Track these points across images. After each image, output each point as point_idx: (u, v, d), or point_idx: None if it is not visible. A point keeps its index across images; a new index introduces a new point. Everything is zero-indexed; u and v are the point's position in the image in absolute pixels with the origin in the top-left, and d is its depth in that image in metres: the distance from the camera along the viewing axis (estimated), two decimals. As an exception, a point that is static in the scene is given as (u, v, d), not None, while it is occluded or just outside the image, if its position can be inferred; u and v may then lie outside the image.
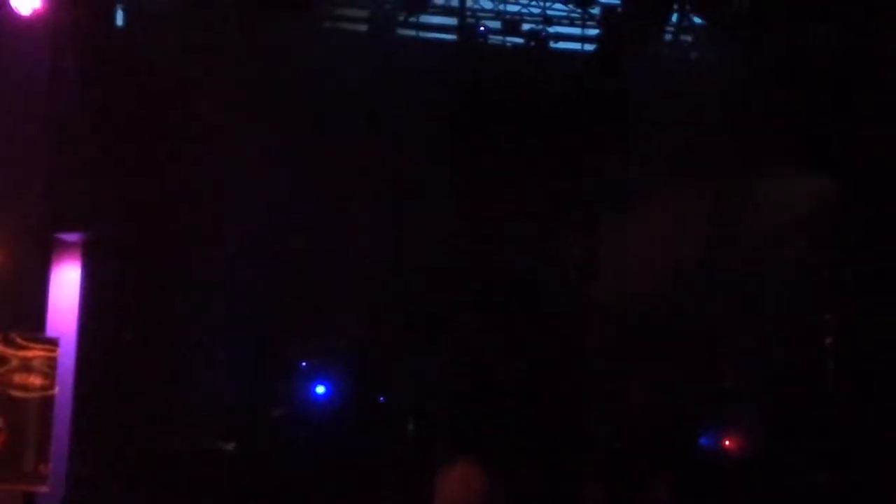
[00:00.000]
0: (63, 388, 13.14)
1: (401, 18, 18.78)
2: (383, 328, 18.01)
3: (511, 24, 19.20)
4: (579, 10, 19.39)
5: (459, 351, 18.00)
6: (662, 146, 17.99)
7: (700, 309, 18.23)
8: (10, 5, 12.64)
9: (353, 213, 18.04)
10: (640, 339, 17.81)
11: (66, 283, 13.93)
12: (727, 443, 18.92)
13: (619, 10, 18.88)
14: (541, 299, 18.29)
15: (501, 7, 19.28)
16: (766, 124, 17.47)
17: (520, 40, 19.26)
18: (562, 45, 19.71)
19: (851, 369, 17.80)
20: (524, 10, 19.36)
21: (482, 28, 19.18)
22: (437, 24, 19.32)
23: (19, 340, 12.64)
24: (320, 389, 18.13)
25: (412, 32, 19.03)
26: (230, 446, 17.51)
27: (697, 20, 19.00)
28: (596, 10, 19.31)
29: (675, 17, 18.49)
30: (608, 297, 17.88)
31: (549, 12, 19.42)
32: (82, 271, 14.07)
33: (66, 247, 13.97)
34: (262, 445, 17.57)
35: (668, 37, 19.16)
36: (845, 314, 18.08)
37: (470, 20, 19.22)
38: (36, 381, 12.63)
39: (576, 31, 19.76)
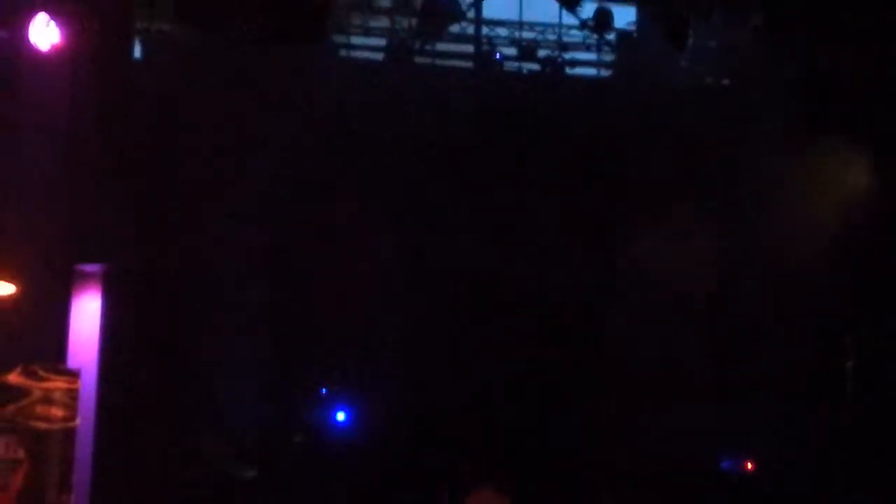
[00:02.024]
0: (84, 420, 13.18)
1: (417, 47, 18.85)
2: (404, 355, 18.00)
3: (527, 51, 19.25)
4: (595, 36, 19.44)
5: (480, 376, 17.99)
6: (675, 170, 17.99)
7: (718, 332, 18.19)
8: (29, 41, 12.75)
9: (371, 237, 18.04)
10: (658, 364, 17.76)
11: (87, 314, 13.96)
12: (748, 466, 18.86)
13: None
14: (558, 324, 18.27)
15: (517, 34, 19.35)
16: (780, 144, 17.47)
17: (536, 66, 19.31)
18: (578, 70, 19.77)
19: (872, 392, 17.74)
20: (540, 37, 19.41)
21: (498, 55, 19.24)
22: (454, 52, 19.38)
23: (41, 372, 12.67)
24: (341, 416, 18.16)
25: (428, 60, 19.09)
26: (251, 474, 17.52)
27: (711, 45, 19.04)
28: (612, 36, 19.41)
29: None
30: (625, 321, 17.86)
31: (564, 38, 19.48)
32: (103, 302, 14.12)
33: (86, 278, 14.00)
34: (283, 472, 17.58)
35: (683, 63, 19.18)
36: (865, 337, 18.02)
37: (486, 47, 19.29)
38: (58, 412, 12.66)
39: (591, 56, 19.82)
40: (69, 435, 12.80)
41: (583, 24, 19.21)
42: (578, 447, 18.05)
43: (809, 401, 17.77)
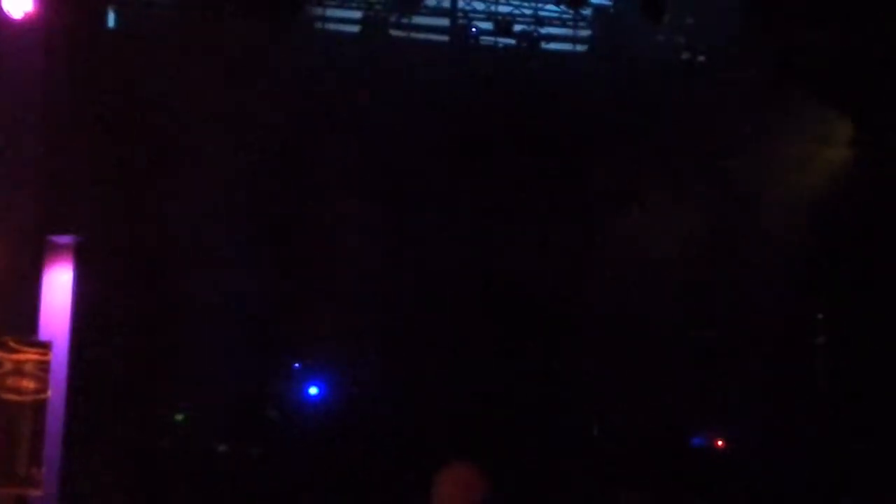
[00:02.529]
0: (56, 392, 13.12)
1: (393, 20, 18.75)
2: (381, 333, 17.97)
3: (503, 26, 19.18)
4: (571, 12, 19.38)
5: (458, 355, 17.99)
6: (651, 146, 17.99)
7: (694, 313, 18.24)
8: (1, 10, 12.63)
9: (347, 213, 17.97)
10: (634, 342, 17.79)
11: (59, 286, 13.90)
12: (719, 443, 18.94)
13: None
14: (537, 304, 18.27)
15: (493, 8, 19.27)
16: (757, 120, 17.48)
17: (512, 41, 19.25)
18: (553, 45, 19.71)
19: (844, 368, 17.82)
20: (516, 12, 19.34)
21: (474, 29, 19.17)
22: (429, 25, 19.29)
23: (12, 344, 12.63)
24: (313, 391, 18.13)
25: (404, 34, 18.99)
26: (223, 447, 17.49)
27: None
28: (587, 12, 19.35)
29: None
30: (603, 300, 17.87)
31: (540, 13, 19.41)
32: (75, 274, 14.05)
33: (58, 249, 13.94)
34: (256, 445, 17.56)
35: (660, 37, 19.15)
36: (837, 313, 18.11)
37: (462, 21, 19.20)
38: (29, 384, 12.62)
39: (567, 31, 19.77)
40: (40, 407, 12.77)
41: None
42: (555, 424, 18.06)
43: (781, 377, 17.82)
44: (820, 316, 18.53)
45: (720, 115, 17.93)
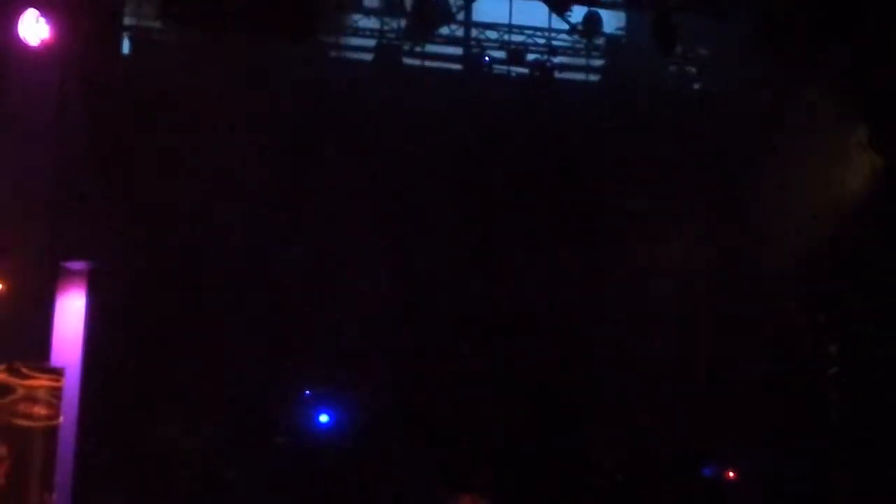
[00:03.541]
0: (68, 418, 13.14)
1: (406, 48, 18.81)
2: (388, 357, 17.96)
3: (516, 55, 19.23)
4: (584, 41, 19.43)
5: (464, 380, 17.98)
6: (663, 176, 18.00)
7: (703, 338, 18.19)
8: (18, 35, 12.70)
9: (356, 240, 17.98)
10: (644, 370, 17.76)
11: (72, 312, 13.94)
12: (730, 474, 18.87)
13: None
14: (545, 329, 18.26)
15: (506, 37, 19.33)
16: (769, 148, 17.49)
17: (524, 70, 19.29)
18: (566, 75, 19.75)
19: (856, 400, 17.76)
20: (529, 41, 19.40)
21: (487, 58, 19.21)
22: (442, 54, 19.34)
23: (24, 370, 12.63)
24: (324, 418, 18.11)
25: (417, 62, 19.05)
26: (232, 474, 17.45)
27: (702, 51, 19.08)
28: (601, 41, 19.40)
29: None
30: (611, 325, 17.86)
31: (553, 43, 19.47)
32: (87, 300, 14.08)
33: (71, 276, 13.98)
34: (264, 473, 17.52)
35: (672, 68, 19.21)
36: (847, 339, 18.04)
37: (475, 50, 19.26)
38: (41, 410, 12.63)
39: (580, 61, 19.82)
40: (52, 433, 12.78)
41: (572, 29, 19.22)
42: (563, 453, 18.02)
43: (794, 408, 17.76)
44: (833, 349, 18.45)
45: (732, 145, 17.96)
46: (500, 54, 19.31)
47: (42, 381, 12.70)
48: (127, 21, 16.80)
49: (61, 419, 12.84)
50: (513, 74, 19.32)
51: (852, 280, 17.45)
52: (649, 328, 17.46)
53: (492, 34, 19.31)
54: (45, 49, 12.88)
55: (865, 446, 16.93)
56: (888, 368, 16.99)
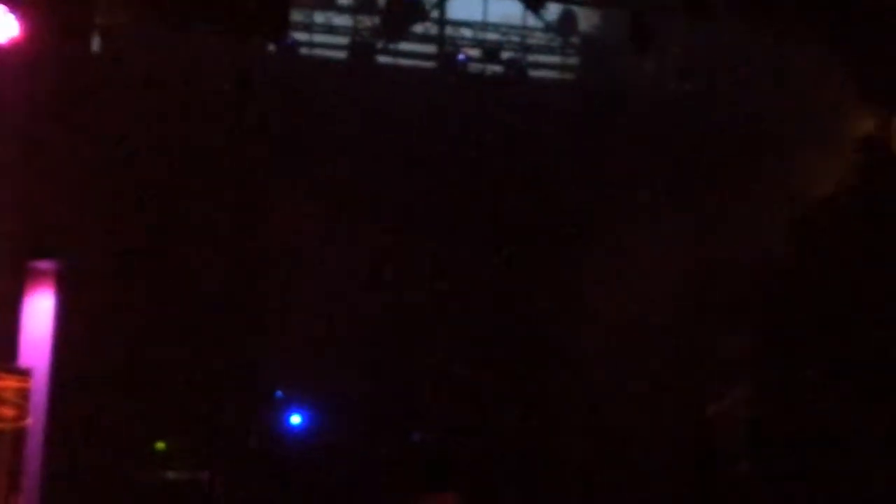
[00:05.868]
0: (35, 419, 13.03)
1: (380, 46, 18.73)
2: (360, 357, 17.90)
3: (490, 52, 19.17)
4: (559, 39, 19.40)
5: (437, 380, 17.94)
6: (638, 174, 17.98)
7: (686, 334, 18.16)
8: (-14, 34, 12.57)
9: (328, 236, 17.90)
10: (617, 369, 17.74)
11: (40, 312, 13.82)
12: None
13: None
14: (518, 326, 18.22)
15: (481, 35, 19.28)
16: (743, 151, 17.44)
17: (499, 68, 19.24)
18: (541, 72, 19.72)
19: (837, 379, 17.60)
20: (503, 39, 19.34)
21: (461, 56, 19.15)
22: (417, 52, 19.28)
23: (-9, 371, 12.53)
24: (296, 419, 18.03)
25: (391, 60, 18.98)
26: (204, 475, 17.37)
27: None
28: (575, 39, 19.37)
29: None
30: (584, 322, 17.81)
31: (528, 40, 19.42)
32: (56, 300, 13.97)
33: (40, 275, 13.87)
34: (236, 474, 17.45)
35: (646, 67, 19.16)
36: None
37: (449, 48, 19.19)
38: (8, 412, 12.51)
39: (555, 59, 19.78)
40: (20, 434, 12.67)
41: (547, 27, 19.18)
42: (536, 451, 17.99)
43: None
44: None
45: (708, 144, 17.94)
46: (475, 52, 19.25)
47: (9, 382, 12.59)
48: (97, 19, 16.64)
49: (29, 420, 12.73)
50: (487, 72, 19.24)
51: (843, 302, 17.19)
52: (622, 323, 17.38)
53: (466, 32, 19.26)
54: (15, 47, 12.73)
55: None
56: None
